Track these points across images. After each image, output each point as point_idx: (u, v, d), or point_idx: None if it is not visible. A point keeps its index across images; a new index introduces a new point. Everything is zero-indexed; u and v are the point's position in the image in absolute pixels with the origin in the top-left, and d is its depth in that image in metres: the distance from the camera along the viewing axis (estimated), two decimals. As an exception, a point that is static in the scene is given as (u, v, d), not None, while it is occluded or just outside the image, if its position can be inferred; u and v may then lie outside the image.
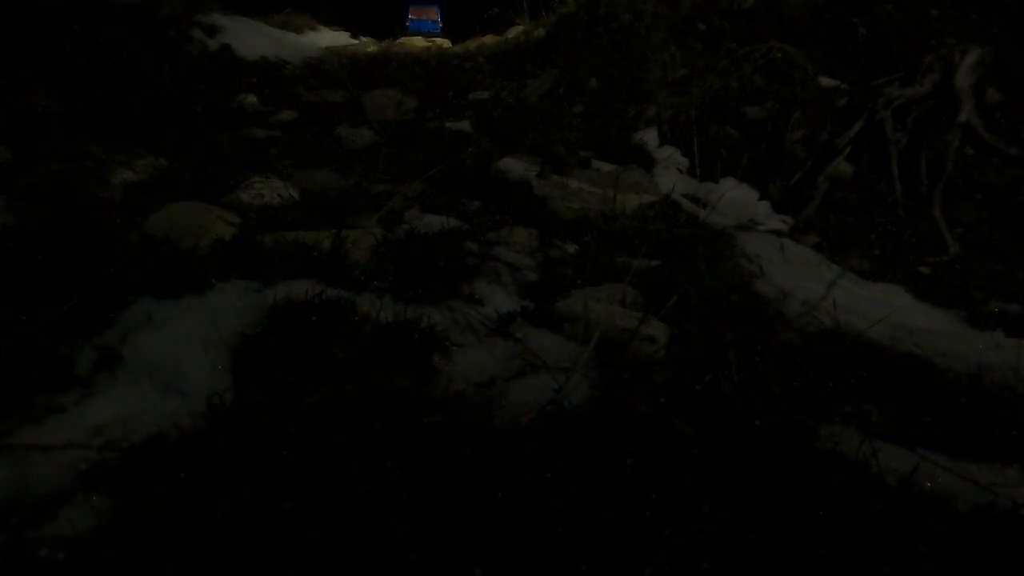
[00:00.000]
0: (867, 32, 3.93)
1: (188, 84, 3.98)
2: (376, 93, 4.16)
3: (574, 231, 2.27)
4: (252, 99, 4.12)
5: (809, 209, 3.33)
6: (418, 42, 7.37)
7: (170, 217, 1.93)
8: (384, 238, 1.84)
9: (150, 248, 1.64)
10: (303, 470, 0.92)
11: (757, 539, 0.80)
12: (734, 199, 3.24)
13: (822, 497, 0.88)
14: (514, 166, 2.89)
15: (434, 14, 9.84)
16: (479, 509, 0.87)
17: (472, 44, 6.61)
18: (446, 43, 7.81)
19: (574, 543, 0.79)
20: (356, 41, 7.75)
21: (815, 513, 0.84)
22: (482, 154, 2.90)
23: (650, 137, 3.72)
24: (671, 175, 3.34)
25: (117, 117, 2.99)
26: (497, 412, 1.15)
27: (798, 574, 0.76)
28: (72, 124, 2.78)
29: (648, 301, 1.65)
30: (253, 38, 5.46)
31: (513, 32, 6.54)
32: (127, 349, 1.23)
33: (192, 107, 3.55)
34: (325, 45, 6.51)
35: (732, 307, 1.54)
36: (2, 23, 3.21)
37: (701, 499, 0.85)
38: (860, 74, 3.88)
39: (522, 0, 6.18)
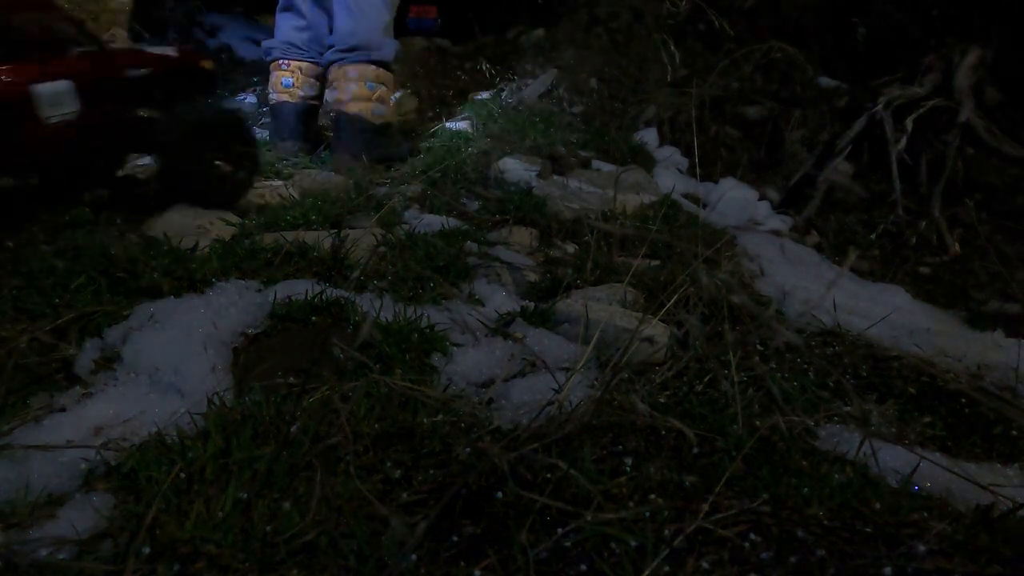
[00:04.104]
0: (867, 32, 3.92)
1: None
2: (376, 93, 4.15)
3: (574, 231, 2.27)
4: (252, 99, 4.12)
5: (809, 209, 3.33)
6: (418, 42, 7.37)
7: (170, 217, 1.94)
8: (384, 238, 1.84)
9: (151, 248, 1.64)
10: (303, 470, 0.92)
11: (757, 539, 0.81)
12: (734, 199, 3.24)
13: (822, 497, 0.88)
14: (514, 166, 2.89)
15: (433, 13, 9.84)
16: (480, 509, 0.87)
17: (472, 44, 6.61)
18: (446, 43, 7.80)
19: (574, 543, 0.79)
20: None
21: (815, 513, 0.85)
22: (482, 154, 2.90)
23: (650, 137, 3.71)
24: (671, 175, 3.34)
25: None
26: (497, 412, 1.15)
27: (798, 574, 0.76)
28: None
29: (648, 301, 1.65)
30: (253, 38, 5.46)
31: (513, 32, 6.54)
32: (127, 349, 1.23)
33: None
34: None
35: (732, 307, 1.54)
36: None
37: (701, 499, 0.85)
38: (860, 74, 3.88)
39: (522, 0, 6.18)
